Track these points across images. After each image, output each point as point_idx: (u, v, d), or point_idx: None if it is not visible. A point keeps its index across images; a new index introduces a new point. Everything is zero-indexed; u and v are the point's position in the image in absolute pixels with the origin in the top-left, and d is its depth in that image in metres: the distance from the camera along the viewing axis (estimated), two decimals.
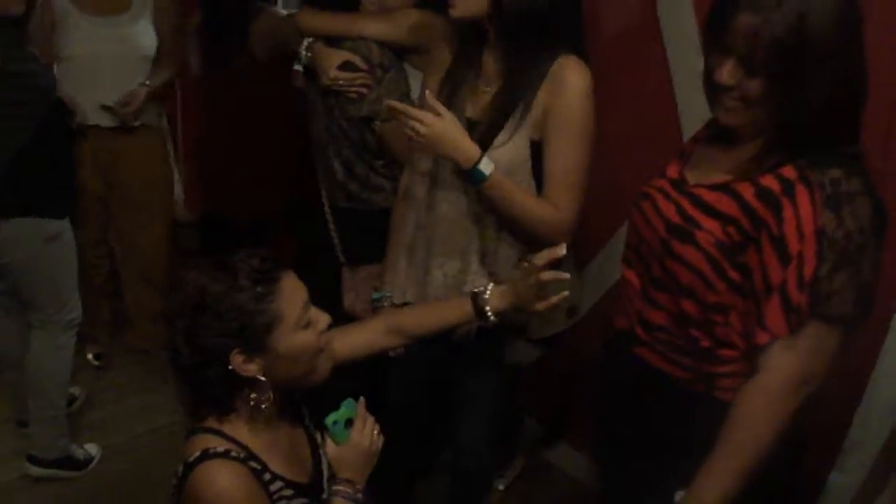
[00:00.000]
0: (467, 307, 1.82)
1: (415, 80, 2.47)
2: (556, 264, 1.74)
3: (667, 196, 1.74)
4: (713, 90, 1.61)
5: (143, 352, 3.81)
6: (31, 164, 2.62)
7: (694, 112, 2.30)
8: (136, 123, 3.38)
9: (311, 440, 1.73)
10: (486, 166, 1.93)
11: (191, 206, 4.83)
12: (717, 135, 1.71)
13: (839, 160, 1.53)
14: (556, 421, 3.27)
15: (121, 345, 3.88)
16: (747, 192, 1.58)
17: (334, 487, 1.66)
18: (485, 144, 1.99)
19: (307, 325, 1.54)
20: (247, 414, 1.55)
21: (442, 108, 1.93)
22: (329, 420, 1.67)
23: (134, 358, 3.83)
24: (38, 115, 2.62)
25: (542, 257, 1.74)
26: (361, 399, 1.71)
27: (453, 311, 1.85)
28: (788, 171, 1.54)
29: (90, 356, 3.73)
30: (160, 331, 3.69)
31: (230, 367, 1.48)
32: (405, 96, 2.43)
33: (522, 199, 1.99)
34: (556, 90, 1.95)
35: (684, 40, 2.42)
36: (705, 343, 1.68)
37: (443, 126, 1.91)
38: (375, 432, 1.71)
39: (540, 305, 1.78)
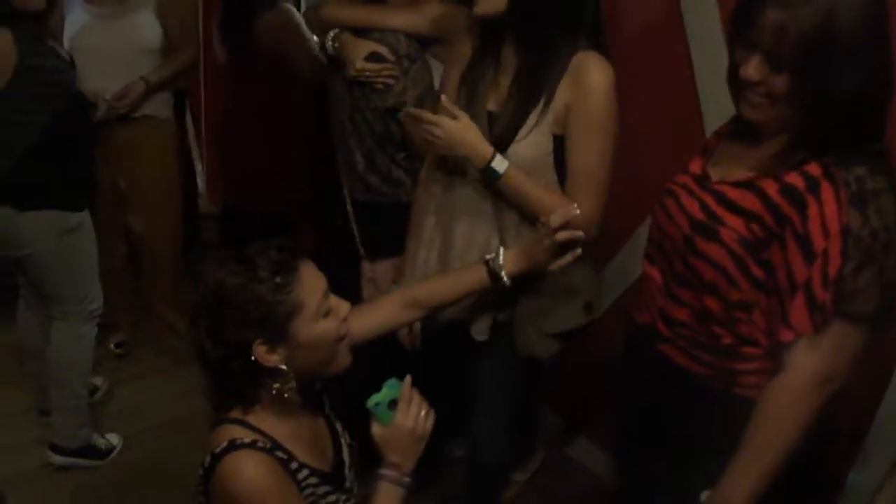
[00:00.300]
0: (482, 273, 1.83)
1: (436, 71, 2.47)
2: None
3: (690, 192, 1.73)
4: (738, 86, 1.60)
5: (164, 340, 3.86)
6: (50, 157, 2.64)
7: (717, 107, 2.29)
8: (139, 115, 3.40)
9: (332, 429, 1.75)
10: (499, 164, 1.96)
11: (213, 198, 4.88)
12: (740, 130, 1.70)
13: (864, 158, 1.52)
14: (576, 415, 3.27)
15: (143, 334, 3.91)
16: (771, 188, 1.57)
17: (380, 471, 1.62)
18: (507, 139, 1.99)
19: (327, 314, 1.56)
20: (271, 404, 1.56)
21: (458, 111, 1.97)
22: (371, 402, 1.62)
23: (156, 347, 3.86)
24: (57, 109, 2.64)
25: (556, 218, 1.75)
26: (407, 378, 1.64)
27: (468, 278, 1.85)
28: (813, 169, 1.53)
29: (112, 345, 3.76)
30: (178, 317, 3.87)
31: (253, 359, 1.49)
32: (429, 88, 2.44)
33: (540, 195, 1.99)
34: (578, 87, 1.94)
35: (707, 35, 2.40)
36: (727, 340, 1.68)
37: (458, 128, 1.95)
38: (423, 413, 1.63)
39: (554, 265, 1.80)
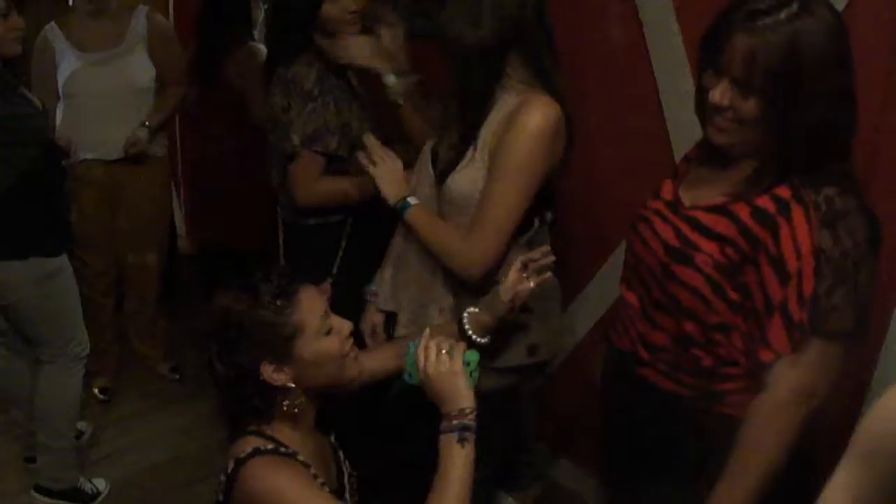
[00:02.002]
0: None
1: None
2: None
3: (664, 218, 1.75)
4: (706, 111, 1.63)
5: (146, 383, 3.86)
6: (25, 204, 2.64)
7: (684, 131, 2.32)
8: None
9: (335, 451, 1.83)
10: (407, 202, 2.10)
11: (192, 239, 4.87)
12: (709, 154, 1.72)
13: (832, 178, 1.55)
14: (560, 439, 3.27)
15: (125, 376, 3.90)
16: (743, 212, 1.60)
17: (441, 426, 1.62)
18: (445, 172, 2.07)
19: (329, 332, 1.64)
20: (285, 421, 1.65)
21: (381, 154, 2.17)
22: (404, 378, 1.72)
23: (138, 390, 3.85)
24: (28, 156, 2.64)
25: (507, 293, 1.87)
26: (426, 332, 1.72)
27: (450, 335, 1.87)
28: (783, 191, 1.56)
29: (96, 390, 3.74)
30: (159, 358, 3.92)
31: (262, 378, 1.59)
32: (326, 126, 2.47)
33: (435, 230, 2.07)
34: (511, 125, 1.94)
35: (672, 62, 2.44)
36: (707, 362, 1.70)
37: (381, 169, 2.15)
38: (444, 351, 1.65)
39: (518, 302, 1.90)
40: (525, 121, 1.91)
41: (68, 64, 3.31)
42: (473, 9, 1.92)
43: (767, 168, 1.59)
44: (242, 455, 1.57)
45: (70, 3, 3.57)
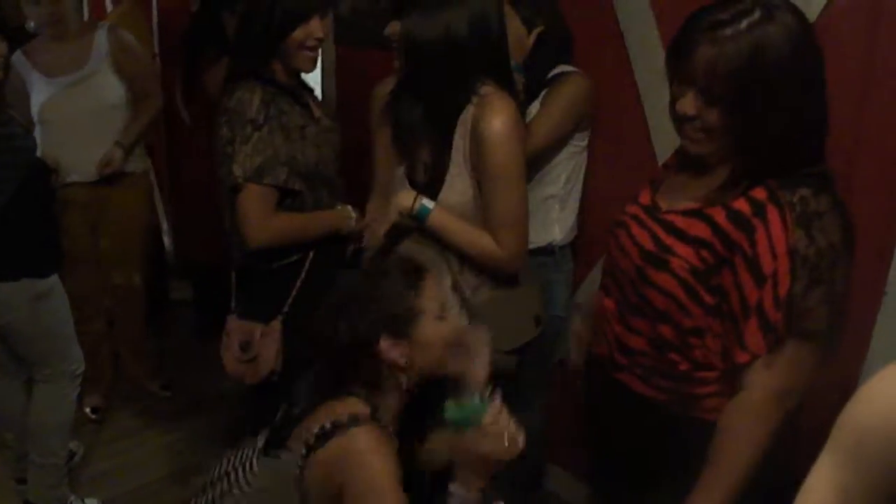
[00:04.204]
0: None
1: None
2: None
3: (640, 223, 1.77)
4: (677, 120, 1.64)
5: (136, 401, 3.85)
6: (14, 225, 2.64)
7: (667, 140, 2.33)
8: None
9: None
10: (426, 205, 2.08)
11: (180, 255, 4.88)
12: (686, 161, 1.74)
13: (808, 180, 1.56)
14: (551, 447, 3.27)
15: (115, 395, 3.89)
16: (719, 215, 1.61)
17: (450, 489, 1.67)
18: (433, 188, 2.09)
19: (443, 319, 1.76)
20: (386, 396, 1.76)
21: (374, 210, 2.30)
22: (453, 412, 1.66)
23: (129, 409, 3.84)
24: (17, 177, 2.64)
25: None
26: (496, 397, 1.67)
27: None
28: (759, 193, 1.57)
29: (87, 410, 3.73)
30: (148, 374, 3.92)
31: (377, 351, 1.70)
32: (276, 155, 2.31)
33: (465, 234, 2.08)
34: (479, 135, 1.99)
35: (653, 72, 2.44)
36: (684, 366, 1.70)
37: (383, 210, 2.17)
38: (509, 433, 1.62)
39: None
40: (490, 128, 1.97)
41: (38, 91, 3.33)
42: (441, 13, 1.96)
43: (740, 173, 1.60)
44: (343, 420, 1.66)
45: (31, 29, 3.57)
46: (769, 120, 1.52)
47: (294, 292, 2.42)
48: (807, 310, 1.54)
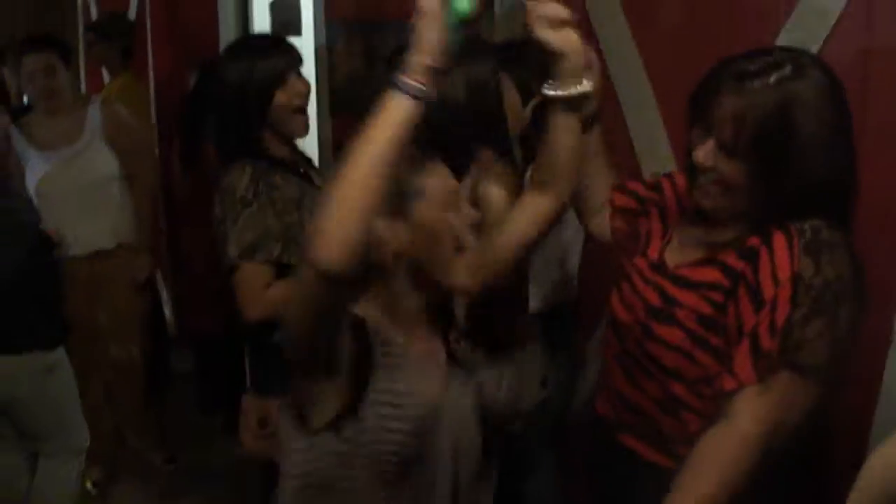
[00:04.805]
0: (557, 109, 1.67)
1: None
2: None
3: (645, 279, 1.71)
4: (692, 169, 1.58)
5: (136, 474, 3.82)
6: (21, 297, 2.64)
7: (652, 163, 2.38)
8: (113, 246, 3.52)
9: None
10: None
11: (181, 326, 4.86)
12: (696, 217, 1.67)
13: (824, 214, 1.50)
14: None
15: (120, 469, 3.85)
16: (730, 257, 1.56)
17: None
18: None
19: (454, 211, 1.57)
20: (382, 301, 1.56)
21: None
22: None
23: (128, 483, 3.80)
24: (22, 249, 2.66)
25: None
26: None
27: (556, 124, 1.65)
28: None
29: (89, 484, 3.68)
30: (150, 447, 3.88)
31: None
32: (270, 230, 2.29)
33: None
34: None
35: (638, 96, 2.45)
36: (695, 426, 1.58)
37: None
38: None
39: None
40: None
41: (33, 166, 3.37)
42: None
43: (754, 228, 1.55)
44: None
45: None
46: (791, 179, 1.47)
47: None
48: (805, 341, 1.44)
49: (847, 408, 1.68)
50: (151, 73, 4.78)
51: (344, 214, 1.29)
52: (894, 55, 1.92)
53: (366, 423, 1.50)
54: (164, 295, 4.89)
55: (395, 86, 1.35)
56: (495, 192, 1.94)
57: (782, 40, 2.03)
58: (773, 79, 1.45)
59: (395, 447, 1.52)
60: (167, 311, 4.89)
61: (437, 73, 1.37)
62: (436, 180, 1.56)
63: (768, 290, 1.47)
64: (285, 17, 4.10)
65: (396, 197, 1.49)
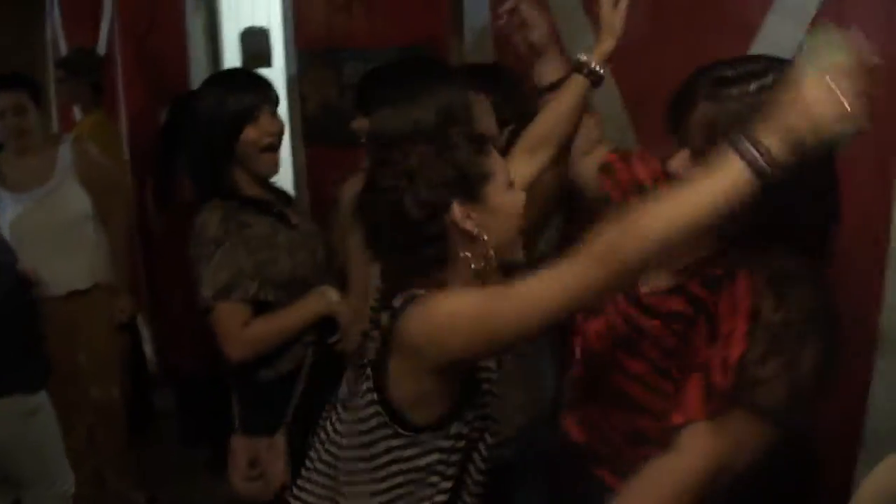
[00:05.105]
0: (577, 78, 1.84)
1: None
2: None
3: (616, 305, 1.65)
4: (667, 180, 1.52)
5: None
6: (1, 341, 2.59)
7: None
8: (90, 286, 3.47)
9: None
10: None
11: (162, 364, 4.81)
12: None
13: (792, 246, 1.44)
14: None
15: None
16: (695, 285, 1.51)
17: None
18: None
19: (512, 188, 1.58)
20: (456, 281, 1.52)
21: None
22: None
23: None
24: (2, 291, 2.61)
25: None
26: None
27: (567, 91, 1.85)
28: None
29: None
30: (131, 489, 3.80)
31: (450, 221, 1.49)
32: (243, 270, 2.26)
33: None
34: None
35: (611, 113, 2.39)
36: None
37: None
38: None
39: None
40: None
41: (4, 207, 3.35)
42: (409, 108, 1.94)
43: (721, 258, 1.50)
44: (414, 295, 1.48)
45: None
46: (764, 192, 1.34)
47: (294, 400, 2.35)
48: (761, 381, 1.36)
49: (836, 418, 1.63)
50: (123, 109, 4.75)
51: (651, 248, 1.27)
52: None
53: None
54: (145, 333, 4.85)
55: (744, 152, 1.22)
56: None
57: (758, 44, 2.03)
58: (753, 86, 1.39)
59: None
60: (148, 350, 4.85)
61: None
62: (497, 161, 1.57)
63: (725, 324, 1.42)
64: (255, 49, 4.09)
65: (468, 183, 1.51)
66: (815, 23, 1.95)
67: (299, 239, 2.38)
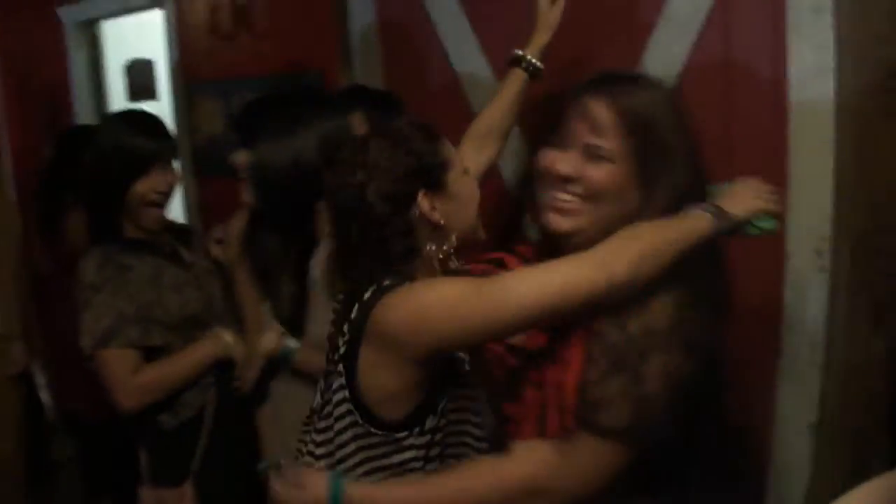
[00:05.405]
0: (517, 71, 2.00)
1: None
2: None
3: (492, 350, 1.63)
4: (538, 198, 1.55)
5: None
6: None
7: None
8: None
9: None
10: (288, 346, 2.11)
11: (60, 411, 4.62)
12: (544, 248, 1.60)
13: None
14: None
15: None
16: None
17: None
18: (299, 322, 2.11)
19: (467, 174, 1.65)
20: (425, 270, 1.56)
21: None
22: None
23: None
24: None
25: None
26: None
27: (509, 83, 2.01)
28: None
29: None
30: None
31: (416, 214, 1.52)
32: (123, 315, 2.24)
33: None
34: None
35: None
36: None
37: None
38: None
39: None
40: None
41: None
42: (290, 140, 2.00)
43: None
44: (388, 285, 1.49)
45: None
46: (663, 183, 1.44)
47: (200, 450, 2.31)
48: (603, 402, 1.36)
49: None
50: (7, 147, 4.56)
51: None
52: (752, 65, 1.98)
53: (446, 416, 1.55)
54: (40, 379, 4.66)
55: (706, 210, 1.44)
56: None
57: (648, 53, 2.11)
58: (632, 86, 1.50)
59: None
60: (44, 396, 4.66)
61: None
62: (450, 148, 1.60)
63: (568, 347, 1.42)
64: (141, 82, 3.98)
65: (430, 172, 1.53)
66: (703, 31, 2.03)
67: (186, 277, 2.32)
